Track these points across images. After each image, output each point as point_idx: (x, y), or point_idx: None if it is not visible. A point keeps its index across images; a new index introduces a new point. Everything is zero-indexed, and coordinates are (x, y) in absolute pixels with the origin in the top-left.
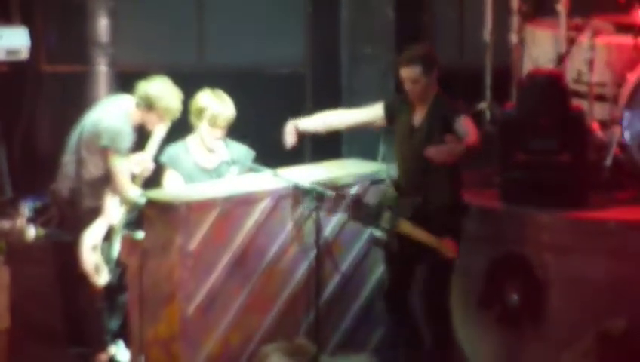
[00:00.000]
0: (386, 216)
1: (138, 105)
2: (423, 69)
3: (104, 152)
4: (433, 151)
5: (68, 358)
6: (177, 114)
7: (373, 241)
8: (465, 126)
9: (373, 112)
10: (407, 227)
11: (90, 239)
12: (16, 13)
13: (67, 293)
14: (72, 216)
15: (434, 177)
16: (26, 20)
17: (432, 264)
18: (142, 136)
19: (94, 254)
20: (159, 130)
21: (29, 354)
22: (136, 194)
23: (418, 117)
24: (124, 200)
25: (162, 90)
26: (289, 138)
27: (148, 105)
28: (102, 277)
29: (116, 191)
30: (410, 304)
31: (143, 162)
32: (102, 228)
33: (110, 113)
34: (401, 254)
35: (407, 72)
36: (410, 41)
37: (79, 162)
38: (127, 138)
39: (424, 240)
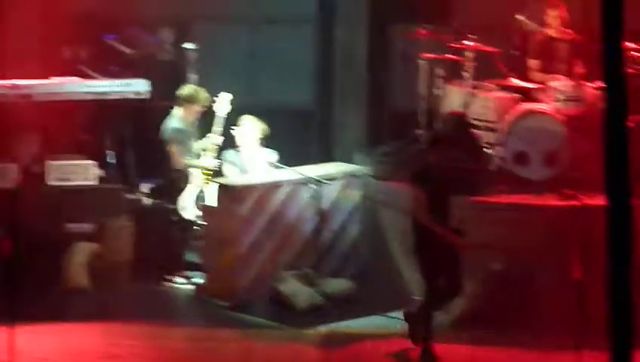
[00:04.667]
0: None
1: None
2: None
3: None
4: None
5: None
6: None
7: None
8: None
9: None
10: None
11: (182, 201)
12: (140, 72)
13: (169, 234)
14: (174, 188)
15: None
16: (147, 76)
17: None
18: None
19: (184, 211)
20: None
21: (140, 277)
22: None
23: None
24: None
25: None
26: None
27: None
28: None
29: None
30: None
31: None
32: (191, 194)
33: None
34: None
35: None
36: (378, 94)
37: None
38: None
39: None
